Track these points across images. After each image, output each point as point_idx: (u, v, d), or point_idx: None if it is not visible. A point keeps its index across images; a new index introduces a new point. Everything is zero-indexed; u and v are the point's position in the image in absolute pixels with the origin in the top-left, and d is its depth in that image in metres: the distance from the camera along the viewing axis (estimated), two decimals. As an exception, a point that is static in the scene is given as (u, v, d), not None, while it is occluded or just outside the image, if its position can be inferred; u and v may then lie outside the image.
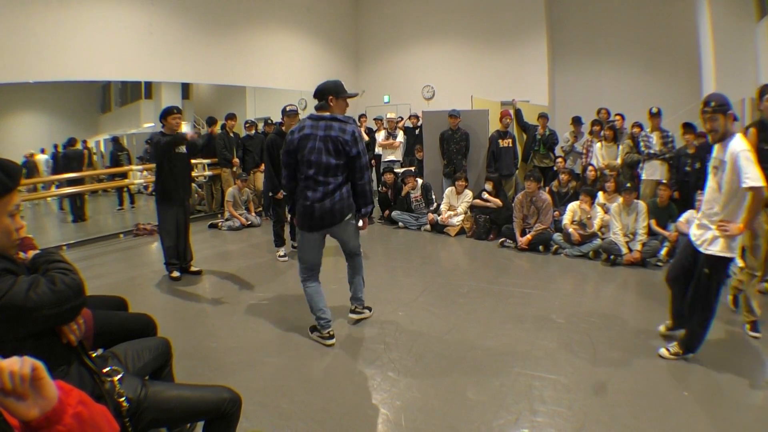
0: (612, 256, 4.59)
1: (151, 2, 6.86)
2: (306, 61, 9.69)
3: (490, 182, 5.91)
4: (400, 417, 2.17)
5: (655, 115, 5.46)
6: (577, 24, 9.01)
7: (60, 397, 0.81)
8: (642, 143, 5.48)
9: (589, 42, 8.91)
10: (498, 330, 3.11)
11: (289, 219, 4.92)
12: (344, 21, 10.74)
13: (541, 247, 5.10)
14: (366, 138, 8.22)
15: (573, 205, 5.07)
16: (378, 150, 7.93)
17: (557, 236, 5.03)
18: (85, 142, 6.51)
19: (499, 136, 6.41)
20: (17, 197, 1.23)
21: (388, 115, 7.81)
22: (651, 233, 4.64)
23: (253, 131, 7.35)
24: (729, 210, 2.41)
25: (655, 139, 5.38)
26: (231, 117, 7.14)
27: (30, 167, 6.02)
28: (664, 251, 4.57)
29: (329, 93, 2.80)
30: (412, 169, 6.83)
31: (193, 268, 4.43)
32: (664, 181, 4.96)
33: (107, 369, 1.41)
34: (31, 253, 1.36)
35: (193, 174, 4.92)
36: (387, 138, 7.65)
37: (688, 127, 5.10)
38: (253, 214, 6.80)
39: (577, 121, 6.71)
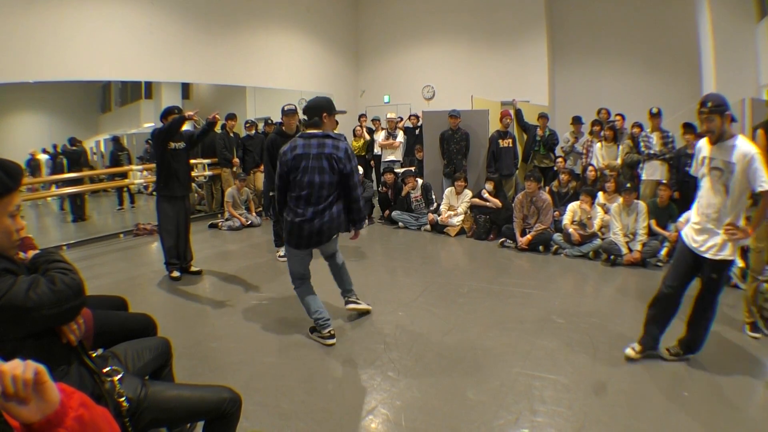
0: (612, 257, 4.59)
1: (151, 2, 6.87)
2: (306, 61, 9.69)
3: (491, 182, 5.91)
4: (400, 417, 2.17)
5: (656, 116, 5.47)
6: (577, 24, 9.01)
7: (62, 400, 0.81)
8: (642, 143, 5.48)
9: (589, 42, 8.90)
10: (498, 330, 3.11)
11: None
12: (344, 21, 10.74)
13: (541, 248, 5.10)
14: (367, 138, 8.23)
15: (573, 206, 5.08)
16: (378, 150, 7.93)
17: (557, 236, 5.03)
18: (80, 142, 6.49)
19: (500, 136, 6.41)
20: (18, 197, 1.23)
21: (389, 115, 7.82)
22: (651, 233, 4.64)
23: (253, 131, 7.36)
24: (735, 213, 2.36)
25: (655, 139, 5.38)
26: (231, 117, 7.17)
27: (33, 167, 6.02)
28: (664, 251, 4.58)
29: (323, 110, 2.79)
30: (412, 169, 6.83)
31: (193, 268, 4.43)
32: (665, 182, 4.96)
33: (107, 369, 1.41)
34: (31, 253, 1.36)
35: (193, 174, 4.91)
36: (387, 138, 7.65)
37: (688, 128, 5.11)
38: (253, 214, 6.81)
39: (577, 121, 6.71)
